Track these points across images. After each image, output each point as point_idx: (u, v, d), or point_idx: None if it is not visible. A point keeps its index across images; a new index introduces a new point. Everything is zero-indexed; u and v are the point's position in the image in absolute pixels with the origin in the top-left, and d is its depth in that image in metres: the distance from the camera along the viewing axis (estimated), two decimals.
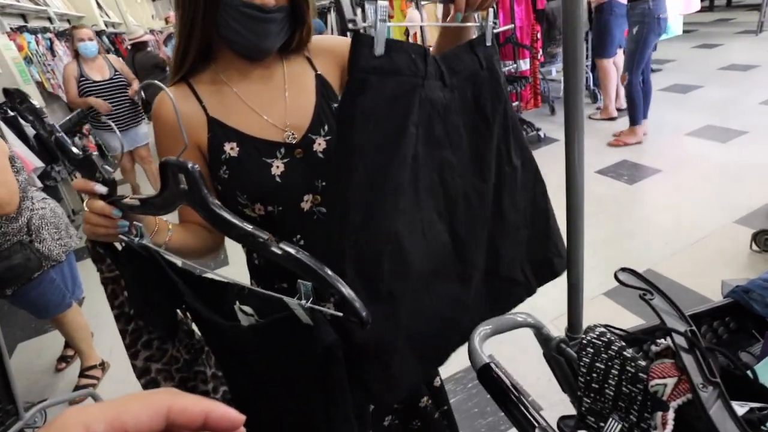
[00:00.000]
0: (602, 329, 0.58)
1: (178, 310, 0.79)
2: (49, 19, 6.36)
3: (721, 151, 3.31)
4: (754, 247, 2.25)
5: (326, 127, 0.85)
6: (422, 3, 3.22)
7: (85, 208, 0.67)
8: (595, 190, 3.09)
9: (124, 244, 0.70)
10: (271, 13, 0.75)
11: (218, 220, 0.59)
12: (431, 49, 0.82)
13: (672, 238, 2.49)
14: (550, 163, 3.91)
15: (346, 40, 0.93)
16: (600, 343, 0.57)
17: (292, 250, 0.56)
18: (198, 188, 0.58)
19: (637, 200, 2.99)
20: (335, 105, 0.88)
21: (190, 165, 0.58)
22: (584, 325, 0.76)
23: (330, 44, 0.93)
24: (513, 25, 3.70)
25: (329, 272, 0.56)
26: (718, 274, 2.21)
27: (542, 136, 4.07)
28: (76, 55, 3.42)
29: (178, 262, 0.71)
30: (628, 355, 0.51)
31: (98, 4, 9.89)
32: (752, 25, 6.22)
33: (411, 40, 3.55)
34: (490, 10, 0.76)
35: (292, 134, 0.83)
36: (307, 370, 0.64)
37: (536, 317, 0.73)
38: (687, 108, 4.14)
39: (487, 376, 0.63)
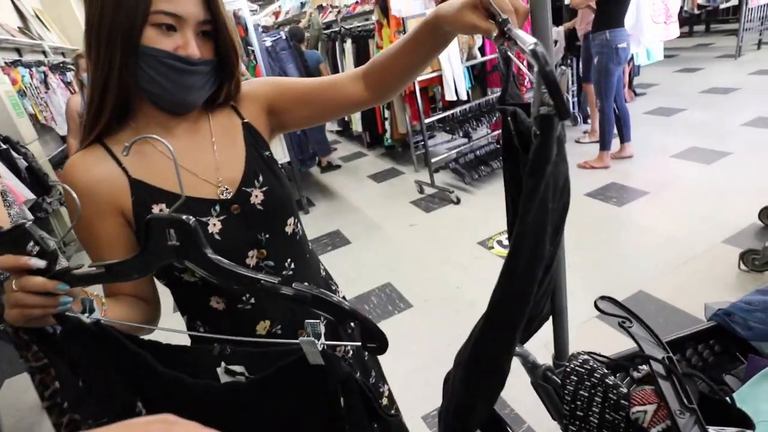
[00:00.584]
0: (585, 357, 0.59)
1: (139, 402, 0.69)
2: (44, 53, 6.45)
3: (706, 172, 3.38)
4: (742, 266, 2.28)
5: (261, 178, 0.81)
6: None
7: (13, 287, 0.56)
8: (585, 213, 3.13)
9: (57, 326, 0.60)
10: (197, 65, 0.70)
11: (221, 273, 0.56)
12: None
13: (662, 260, 2.52)
14: None
15: (263, 81, 0.90)
16: (583, 370, 0.58)
17: (304, 288, 0.56)
18: (195, 243, 0.55)
19: (626, 222, 3.02)
20: (267, 153, 0.85)
21: (184, 217, 0.55)
22: (574, 350, 0.77)
23: (250, 89, 0.88)
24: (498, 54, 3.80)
25: (345, 303, 0.56)
26: (708, 294, 2.23)
27: None
28: (82, 86, 3.29)
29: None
30: (611, 383, 0.52)
31: None
32: (731, 50, 6.42)
33: None
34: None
35: (226, 189, 0.78)
36: (314, 411, 0.63)
37: (524, 346, 0.74)
38: (671, 130, 4.23)
39: None
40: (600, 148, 3.78)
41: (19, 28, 5.53)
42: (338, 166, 5.25)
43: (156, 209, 0.74)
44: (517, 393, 1.80)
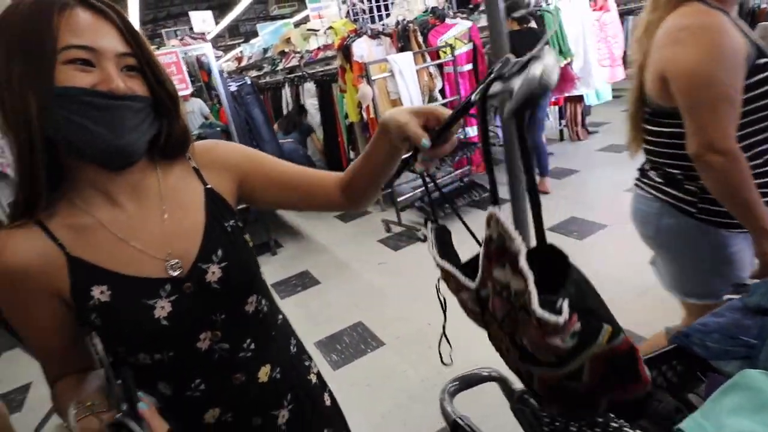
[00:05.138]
0: None
1: None
2: None
3: None
4: None
5: (220, 252, 0.72)
6: (373, 79, 3.43)
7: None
8: None
9: None
10: (123, 99, 0.61)
11: None
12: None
13: (623, 289, 2.61)
14: None
15: (240, 150, 0.83)
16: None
17: None
18: None
19: (587, 254, 3.13)
20: (231, 223, 0.75)
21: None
22: None
23: (223, 154, 0.80)
24: (458, 96, 3.97)
25: None
26: (667, 323, 2.32)
27: None
28: None
29: None
30: None
31: None
32: None
33: (364, 113, 3.73)
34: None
35: (177, 263, 0.69)
36: None
37: (501, 371, 0.75)
38: (623, 166, 4.44)
39: None
40: (539, 175, 4.14)
41: None
42: None
43: (96, 291, 0.65)
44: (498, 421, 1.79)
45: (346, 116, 4.22)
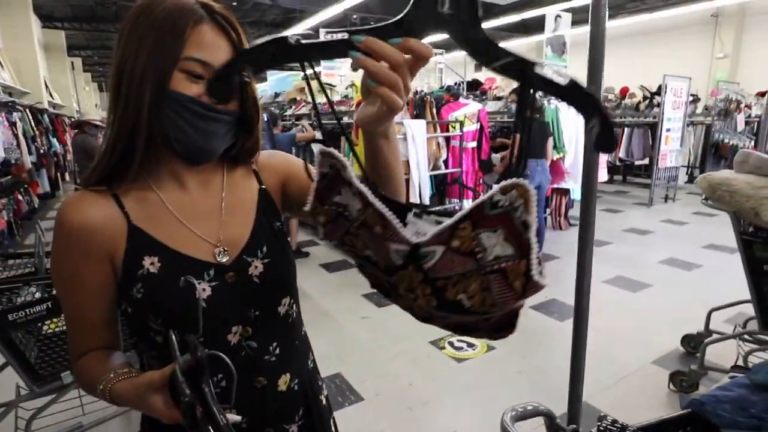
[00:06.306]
0: (613, 418, 0.69)
1: None
2: None
3: (633, 299, 3.76)
4: (672, 387, 2.50)
5: (264, 249, 0.77)
6: None
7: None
8: (531, 325, 3.34)
9: None
10: (220, 113, 0.68)
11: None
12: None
13: (601, 375, 2.70)
14: None
15: (283, 156, 0.89)
16: (615, 429, 0.67)
17: None
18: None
19: (567, 336, 3.23)
20: (278, 224, 0.81)
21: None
22: None
23: (273, 160, 0.86)
24: (460, 168, 4.21)
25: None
26: (644, 410, 2.40)
27: None
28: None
29: None
30: None
31: (46, 84, 9.89)
32: (644, 199, 7.44)
33: None
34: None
35: (224, 251, 0.75)
36: None
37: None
38: (602, 260, 4.71)
39: None
40: None
41: None
42: (306, 254, 5.09)
43: (147, 262, 0.70)
44: None
45: None
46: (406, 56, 0.51)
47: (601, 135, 0.46)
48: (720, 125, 8.11)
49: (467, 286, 0.48)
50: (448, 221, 0.49)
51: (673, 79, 6.83)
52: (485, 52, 0.48)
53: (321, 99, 5.91)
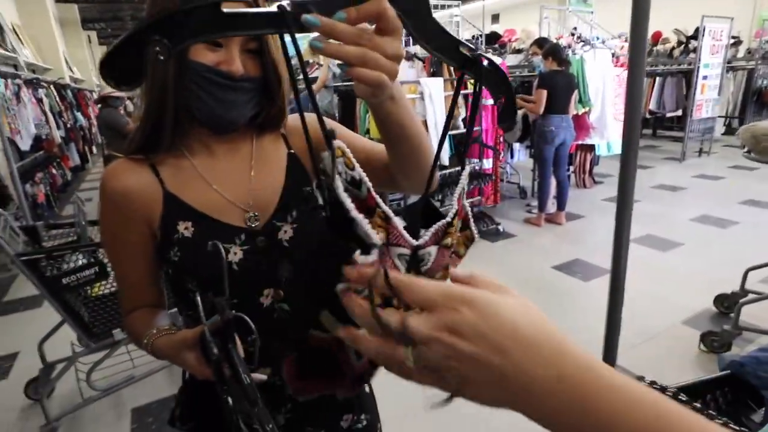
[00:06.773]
0: (651, 380, 0.62)
1: None
2: (15, 66, 6.30)
3: (662, 259, 3.62)
4: (702, 347, 2.41)
5: (294, 213, 0.77)
6: None
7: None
8: (553, 285, 3.26)
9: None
10: (238, 81, 0.67)
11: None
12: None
13: (628, 334, 2.61)
14: (507, 257, 4.07)
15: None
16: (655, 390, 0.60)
17: None
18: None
19: (592, 296, 3.16)
20: (308, 189, 0.79)
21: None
22: None
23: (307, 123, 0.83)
24: (480, 127, 4.05)
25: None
26: (672, 370, 2.33)
27: (500, 230, 4.30)
28: None
29: None
30: (684, 399, 0.55)
31: (66, 59, 9.95)
32: (676, 154, 7.12)
33: None
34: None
35: (255, 216, 0.75)
36: None
37: None
38: None
39: None
40: (537, 209, 4.49)
41: None
42: None
43: (181, 227, 0.73)
44: None
45: (368, 131, 4.27)
46: (363, 26, 0.43)
47: (506, 111, 0.54)
48: (764, 70, 7.58)
49: (444, 276, 0.50)
50: (442, 221, 0.49)
51: (712, 21, 6.26)
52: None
53: (333, 62, 5.74)
